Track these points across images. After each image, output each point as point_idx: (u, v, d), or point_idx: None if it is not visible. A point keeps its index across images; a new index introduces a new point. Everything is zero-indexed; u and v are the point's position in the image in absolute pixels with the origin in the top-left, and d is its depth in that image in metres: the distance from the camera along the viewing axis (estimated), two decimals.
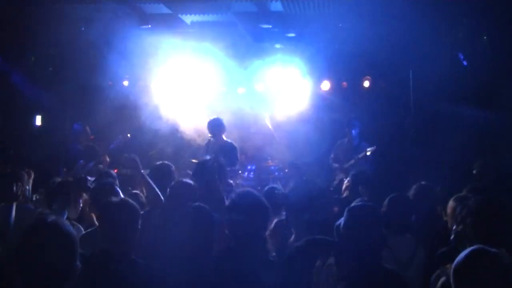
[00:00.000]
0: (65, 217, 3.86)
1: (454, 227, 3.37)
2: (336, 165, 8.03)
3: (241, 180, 8.15)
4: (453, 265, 2.22)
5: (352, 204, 2.99)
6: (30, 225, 2.22)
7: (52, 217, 2.23)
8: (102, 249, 2.84)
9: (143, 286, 2.72)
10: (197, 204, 3.29)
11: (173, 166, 4.93)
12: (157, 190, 4.29)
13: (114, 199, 3.06)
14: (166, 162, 4.99)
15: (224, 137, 7.59)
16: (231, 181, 4.70)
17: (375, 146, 7.72)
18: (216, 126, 7.53)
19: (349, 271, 2.55)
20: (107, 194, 3.64)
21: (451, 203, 3.67)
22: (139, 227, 2.92)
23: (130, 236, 2.86)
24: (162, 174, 4.62)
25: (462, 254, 2.21)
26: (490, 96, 7.07)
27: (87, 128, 7.82)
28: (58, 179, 4.50)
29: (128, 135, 7.62)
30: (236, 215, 2.69)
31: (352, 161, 7.68)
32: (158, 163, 5.01)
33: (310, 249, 2.18)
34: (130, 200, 3.03)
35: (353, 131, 7.91)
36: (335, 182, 7.29)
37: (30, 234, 2.16)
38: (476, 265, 2.16)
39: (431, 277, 2.67)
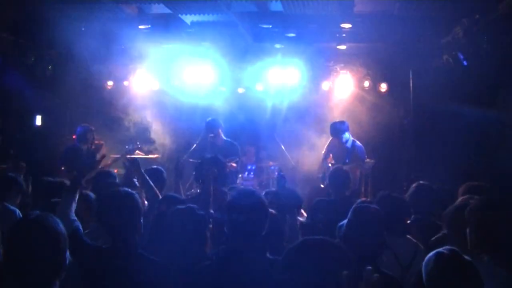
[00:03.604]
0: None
1: (444, 232, 3.38)
2: (329, 164, 7.71)
3: (241, 180, 8.16)
4: (423, 274, 2.32)
5: (358, 205, 2.98)
6: (14, 222, 2.21)
7: (36, 213, 2.20)
8: (108, 244, 2.82)
9: (151, 281, 2.69)
10: (187, 205, 3.30)
11: (165, 172, 5.12)
12: (155, 189, 4.39)
13: (116, 190, 3.02)
14: (158, 167, 5.22)
15: (223, 136, 7.62)
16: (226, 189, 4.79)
17: (371, 160, 7.53)
18: (214, 125, 7.56)
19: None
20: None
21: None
22: (141, 219, 2.89)
23: (134, 229, 2.82)
24: (155, 178, 4.77)
25: (429, 262, 2.32)
26: (490, 96, 7.07)
27: (92, 130, 7.75)
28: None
29: (138, 143, 7.62)
30: (235, 214, 2.67)
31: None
32: (152, 167, 5.21)
33: (307, 249, 2.16)
34: (131, 190, 2.97)
35: (342, 136, 7.55)
36: (326, 182, 7.20)
37: (14, 231, 2.15)
38: (442, 269, 2.26)
39: None
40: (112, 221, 2.82)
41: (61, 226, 2.20)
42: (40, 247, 2.09)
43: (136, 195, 2.95)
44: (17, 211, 4.37)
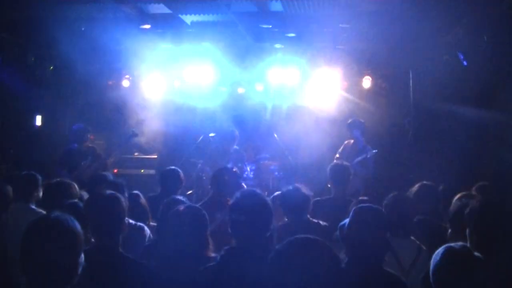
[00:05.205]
0: None
1: (450, 231, 3.37)
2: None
3: (241, 180, 8.15)
4: (431, 267, 2.29)
5: (359, 205, 2.97)
6: (32, 222, 2.16)
7: (55, 213, 2.18)
8: (93, 244, 2.88)
9: (132, 280, 2.71)
10: (189, 204, 3.31)
11: (181, 172, 5.06)
12: None
13: (100, 192, 3.13)
14: (175, 167, 5.18)
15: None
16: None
17: (375, 150, 7.65)
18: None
19: (349, 273, 2.54)
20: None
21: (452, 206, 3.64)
22: (125, 220, 3.01)
23: (116, 229, 2.91)
24: (170, 178, 4.78)
25: (437, 255, 2.28)
26: (490, 96, 7.07)
27: (88, 129, 7.75)
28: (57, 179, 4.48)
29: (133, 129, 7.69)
30: (239, 215, 2.68)
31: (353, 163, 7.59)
32: (167, 168, 5.20)
33: (296, 248, 2.14)
34: (115, 193, 3.08)
35: (355, 132, 7.79)
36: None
37: (32, 230, 2.11)
38: (450, 264, 2.24)
39: None
40: (99, 221, 2.91)
41: (80, 228, 2.18)
42: (58, 247, 2.06)
43: (121, 197, 3.05)
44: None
